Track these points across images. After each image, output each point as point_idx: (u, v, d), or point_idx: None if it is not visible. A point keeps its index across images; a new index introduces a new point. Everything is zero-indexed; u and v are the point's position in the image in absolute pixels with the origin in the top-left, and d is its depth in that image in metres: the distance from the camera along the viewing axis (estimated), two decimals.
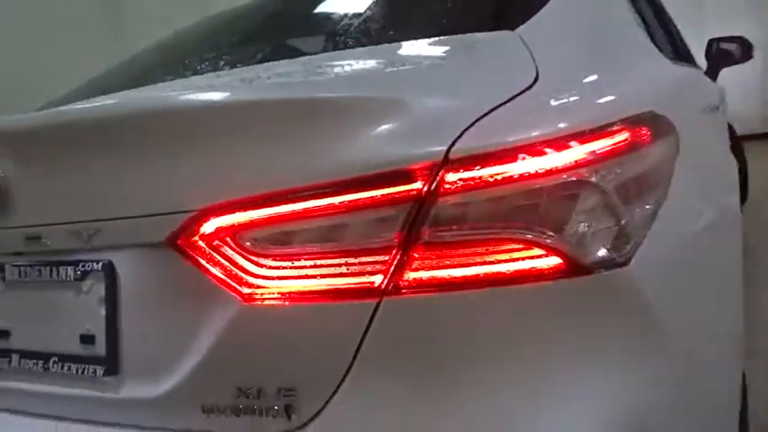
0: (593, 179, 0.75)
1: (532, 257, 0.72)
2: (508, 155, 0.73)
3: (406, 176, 0.72)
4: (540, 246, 0.72)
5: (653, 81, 1.13)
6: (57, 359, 0.94)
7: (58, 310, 0.94)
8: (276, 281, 0.76)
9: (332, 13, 1.40)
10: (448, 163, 0.72)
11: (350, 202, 0.73)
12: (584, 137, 0.77)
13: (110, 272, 0.89)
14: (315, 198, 0.74)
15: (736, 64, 3.14)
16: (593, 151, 0.76)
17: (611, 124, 0.82)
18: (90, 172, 0.86)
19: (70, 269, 0.92)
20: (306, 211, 0.74)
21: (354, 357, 0.74)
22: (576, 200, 0.74)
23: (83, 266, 0.91)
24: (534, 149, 0.74)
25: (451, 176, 0.72)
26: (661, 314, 0.79)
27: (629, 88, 1.01)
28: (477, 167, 0.72)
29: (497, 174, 0.72)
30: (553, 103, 0.85)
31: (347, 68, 0.93)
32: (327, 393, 0.75)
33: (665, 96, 1.09)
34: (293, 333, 0.76)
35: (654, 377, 0.76)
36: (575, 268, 0.73)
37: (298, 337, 0.76)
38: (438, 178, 0.71)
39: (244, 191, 0.77)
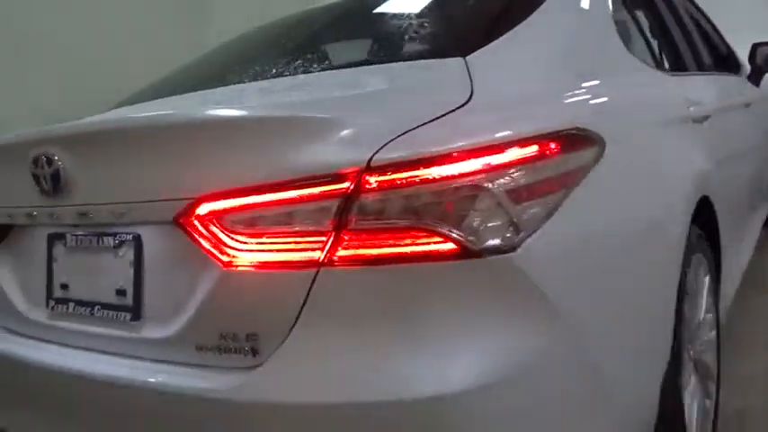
0: (487, 185, 0.96)
1: (434, 243, 0.95)
2: (419, 164, 0.95)
3: (338, 178, 0.95)
4: (439, 235, 0.94)
5: (597, 98, 1.31)
6: (99, 307, 1.24)
7: (101, 269, 1.24)
8: (247, 253, 1.02)
9: (315, 42, 1.66)
10: (369, 169, 0.95)
11: (298, 196, 0.97)
12: (485, 150, 0.98)
13: (138, 242, 1.18)
14: (273, 192, 0.99)
15: None
16: (489, 163, 0.97)
17: (521, 140, 1.03)
18: (122, 167, 1.15)
19: (110, 239, 1.22)
20: (267, 202, 0.99)
21: (300, 312, 0.99)
22: (471, 200, 0.96)
23: (119, 237, 1.20)
24: (441, 160, 0.96)
25: (372, 179, 0.95)
26: (548, 293, 0.99)
27: (560, 107, 1.20)
28: (391, 173, 0.94)
29: (408, 178, 0.95)
30: (476, 120, 1.06)
31: (312, 90, 1.18)
32: (281, 338, 1.00)
33: (602, 112, 1.27)
34: (257, 292, 1.02)
35: (530, 339, 0.97)
36: (467, 253, 0.94)
37: (260, 295, 1.02)
38: (361, 180, 0.95)
39: (226, 185, 1.03)
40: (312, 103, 1.12)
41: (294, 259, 0.99)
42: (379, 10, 1.79)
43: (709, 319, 1.77)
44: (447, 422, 0.92)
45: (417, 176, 0.95)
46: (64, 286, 1.31)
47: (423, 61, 1.24)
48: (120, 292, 1.20)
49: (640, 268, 1.23)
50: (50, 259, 1.33)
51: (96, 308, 1.24)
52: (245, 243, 1.02)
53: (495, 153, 0.99)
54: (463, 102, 1.08)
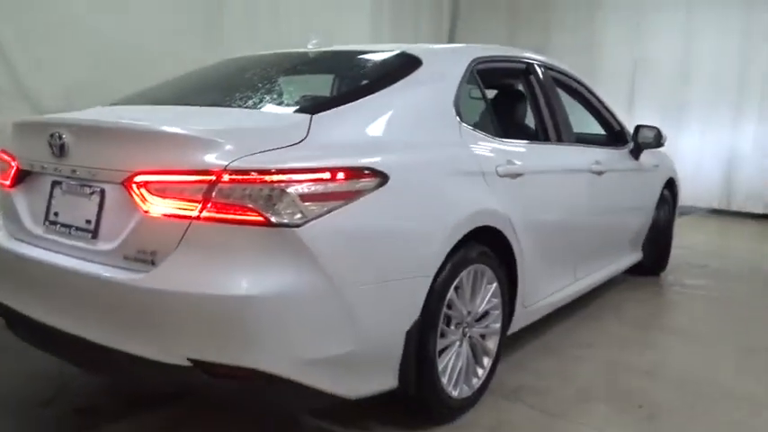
0: (289, 189, 1.76)
1: (254, 216, 1.75)
2: (253, 172, 1.75)
3: (208, 173, 1.76)
4: (257, 213, 1.74)
5: (396, 149, 2.10)
6: (75, 228, 2.05)
7: (79, 206, 2.04)
8: (156, 207, 1.82)
9: (231, 83, 2.55)
10: (226, 170, 1.75)
11: (186, 179, 1.78)
12: (293, 170, 1.78)
13: (102, 193, 1.98)
14: (173, 174, 1.79)
15: (652, 147, 3.95)
16: (292, 177, 1.77)
17: (319, 168, 1.83)
18: (97, 146, 1.97)
19: (87, 188, 2.03)
20: (170, 180, 1.80)
21: (179, 242, 1.79)
22: (278, 196, 1.75)
23: (92, 189, 2.01)
24: (265, 172, 1.76)
25: (226, 176, 1.75)
26: (317, 254, 1.78)
27: (363, 152, 1.98)
28: (238, 174, 1.75)
29: (246, 179, 1.75)
30: (297, 154, 1.86)
31: (212, 119, 2.03)
32: (167, 255, 1.80)
33: (394, 158, 2.05)
34: (158, 229, 1.82)
35: (302, 276, 1.76)
36: (271, 224, 1.75)
37: (159, 230, 1.82)
38: (221, 176, 1.75)
39: (150, 166, 1.83)
40: (206, 128, 1.92)
41: (180, 214, 1.79)
42: (283, 73, 2.66)
43: (495, 315, 2.56)
44: (242, 308, 1.73)
45: (251, 178, 1.76)
46: (56, 214, 2.13)
47: (286, 113, 2.06)
48: (88, 222, 2.01)
49: (399, 257, 2.01)
50: (50, 197, 2.15)
51: (73, 229, 2.05)
52: (156, 201, 1.82)
53: (298, 173, 1.79)
54: (296, 142, 1.89)
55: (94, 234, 1.99)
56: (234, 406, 2.21)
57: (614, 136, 4.01)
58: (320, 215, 1.81)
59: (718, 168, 7.89)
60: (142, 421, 2.32)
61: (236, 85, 2.60)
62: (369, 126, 2.13)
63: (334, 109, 2.09)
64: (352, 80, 2.42)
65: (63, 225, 2.09)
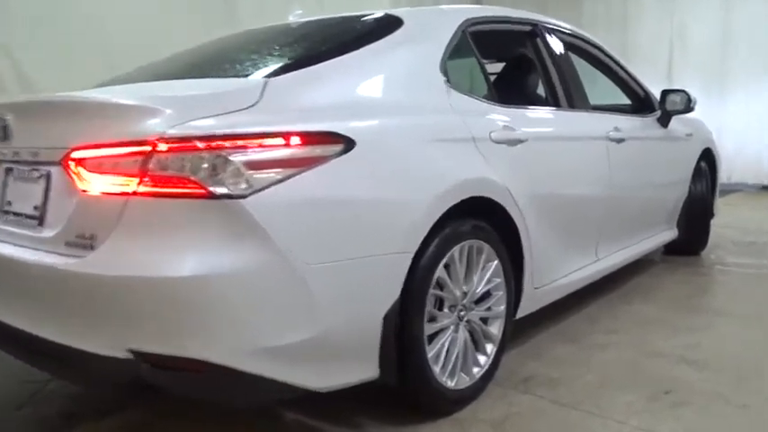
0: (231, 157, 1.56)
1: (193, 188, 1.56)
2: (192, 139, 1.56)
3: (144, 143, 1.58)
4: (195, 183, 1.55)
5: (365, 114, 1.88)
6: (24, 216, 1.90)
7: (28, 193, 1.90)
8: (94, 184, 1.65)
9: (196, 59, 2.40)
10: (163, 139, 1.57)
11: (121, 153, 1.60)
12: (237, 137, 1.59)
13: (48, 177, 1.83)
14: (104, 148, 1.62)
15: (682, 113, 3.63)
16: (236, 143, 1.57)
17: (273, 134, 1.63)
18: (36, 126, 1.81)
19: (35, 173, 1.88)
20: (103, 156, 1.63)
21: (118, 221, 1.61)
22: (220, 165, 1.56)
23: (39, 172, 1.86)
24: (205, 138, 1.57)
25: (163, 146, 1.56)
26: (268, 229, 1.58)
27: (325, 117, 1.78)
28: (175, 143, 1.56)
29: (184, 147, 1.56)
30: (250, 118, 1.66)
31: (160, 89, 1.86)
32: (106, 238, 1.63)
33: (364, 124, 1.84)
34: (97, 209, 1.65)
35: (250, 254, 1.57)
36: (211, 196, 1.55)
37: (97, 211, 1.65)
38: (157, 145, 1.56)
39: (83, 141, 1.67)
40: (146, 95, 1.75)
41: (116, 191, 1.61)
42: (250, 43, 2.47)
43: (498, 297, 2.31)
44: (183, 291, 1.54)
45: (190, 146, 1.57)
46: (9, 203, 1.99)
47: (241, 79, 1.87)
48: (36, 208, 1.86)
49: (369, 232, 1.79)
50: (4, 185, 2.01)
51: (23, 217, 1.91)
52: (93, 179, 1.65)
53: (245, 139, 1.59)
54: (247, 106, 1.69)
55: (41, 221, 1.83)
56: (200, 403, 2.03)
57: (639, 103, 3.70)
58: (271, 185, 1.61)
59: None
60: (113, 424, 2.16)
61: (214, 59, 2.42)
62: (335, 90, 1.92)
63: (295, 72, 1.89)
64: (324, 44, 2.21)
65: (15, 214, 1.95)
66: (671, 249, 4.12)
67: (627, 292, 3.50)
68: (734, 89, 7.51)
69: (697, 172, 4.06)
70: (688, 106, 3.54)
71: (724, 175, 4.81)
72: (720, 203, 4.51)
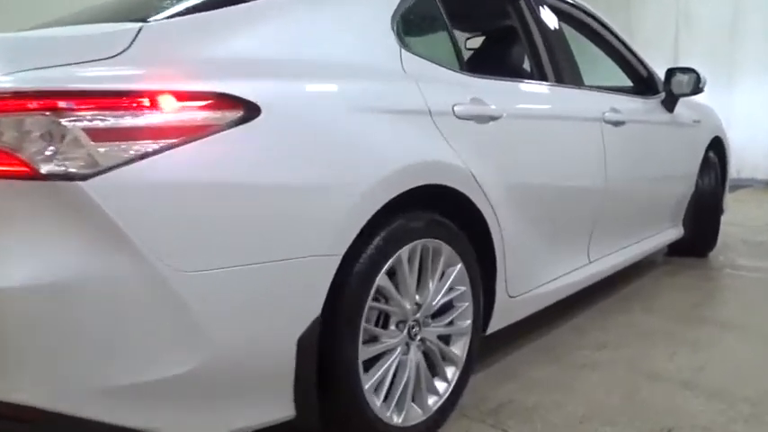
0: (65, 121, 1.12)
1: (12, 163, 1.12)
2: (10, 95, 1.12)
3: None
4: (14, 157, 1.11)
5: (282, 77, 1.44)
6: None
7: None
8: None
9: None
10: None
11: None
12: (87, 94, 1.14)
13: None
14: None
15: (690, 94, 3.18)
16: (73, 104, 1.13)
17: (134, 92, 1.19)
18: None
19: None
20: None
21: None
22: (50, 133, 1.12)
23: None
24: (34, 95, 1.12)
25: None
26: (122, 227, 1.14)
27: (217, 74, 1.33)
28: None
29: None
30: (107, 71, 1.22)
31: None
32: None
33: (271, 86, 1.38)
34: None
35: (95, 256, 1.13)
36: (38, 176, 1.11)
37: None
38: None
39: None
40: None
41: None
42: None
43: (462, 309, 1.87)
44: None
45: (11, 105, 1.12)
46: None
47: (115, 24, 1.40)
48: None
49: (274, 228, 1.34)
50: None
51: None
52: None
53: (90, 97, 1.15)
54: (108, 56, 1.24)
55: None
56: None
57: (642, 84, 3.25)
58: (127, 162, 1.17)
59: None
60: None
61: (131, 6, 1.95)
62: (238, 41, 1.47)
63: (186, 16, 1.45)
64: None
65: None
66: (675, 250, 3.69)
67: (622, 299, 3.05)
68: (742, 78, 7.05)
69: (705, 163, 3.61)
70: (697, 87, 3.09)
71: (733, 170, 4.35)
72: (729, 199, 4.06)
